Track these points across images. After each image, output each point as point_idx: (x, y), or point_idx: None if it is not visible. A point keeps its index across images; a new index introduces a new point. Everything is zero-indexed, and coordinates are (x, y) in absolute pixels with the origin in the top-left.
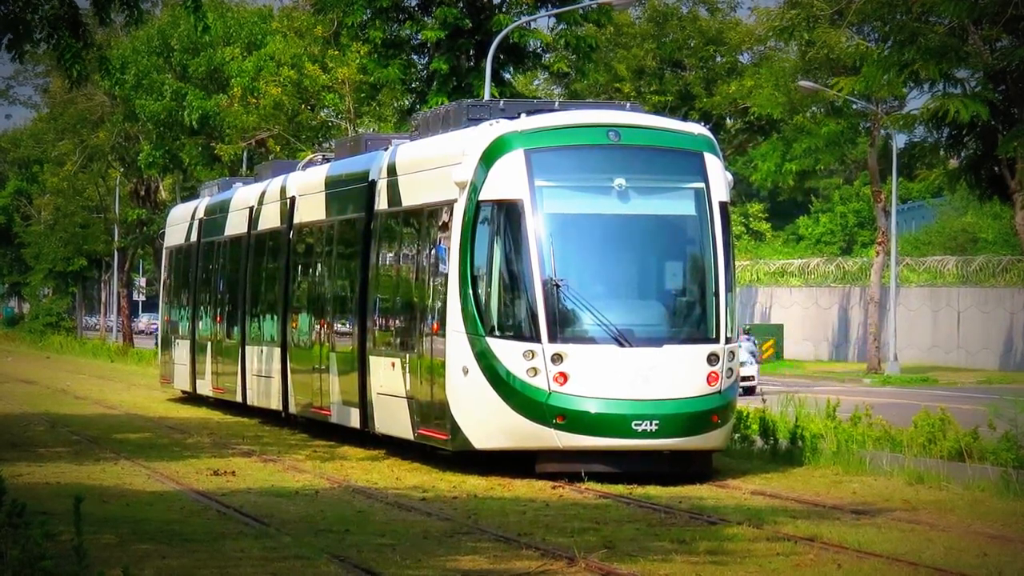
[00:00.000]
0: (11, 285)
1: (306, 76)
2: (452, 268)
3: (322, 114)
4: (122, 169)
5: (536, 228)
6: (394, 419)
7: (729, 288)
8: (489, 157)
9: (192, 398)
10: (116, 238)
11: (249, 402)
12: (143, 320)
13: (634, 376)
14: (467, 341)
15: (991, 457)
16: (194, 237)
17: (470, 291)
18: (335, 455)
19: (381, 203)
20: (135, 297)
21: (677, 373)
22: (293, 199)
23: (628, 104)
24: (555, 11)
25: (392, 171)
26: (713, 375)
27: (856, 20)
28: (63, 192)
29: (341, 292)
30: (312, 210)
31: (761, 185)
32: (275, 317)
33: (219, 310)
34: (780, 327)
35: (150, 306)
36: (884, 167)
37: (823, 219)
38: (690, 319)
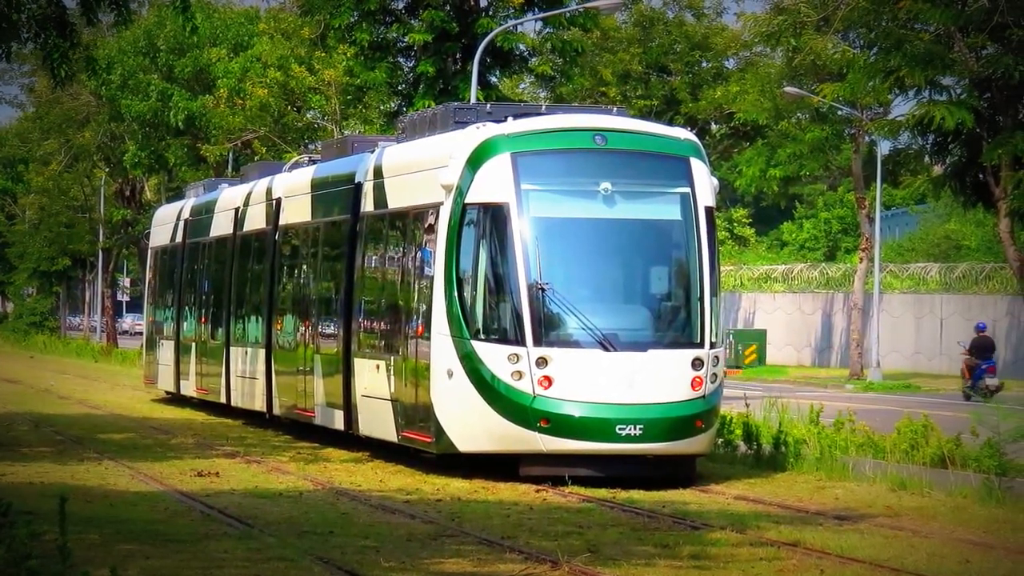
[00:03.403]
0: None
1: (292, 78)
2: (437, 271)
3: (308, 116)
4: (107, 169)
5: (522, 231)
6: (378, 421)
7: (714, 293)
8: (475, 160)
9: (176, 399)
10: (101, 238)
11: (233, 403)
12: (127, 320)
13: (619, 380)
14: (452, 344)
15: (973, 464)
16: (179, 238)
17: (455, 294)
18: (319, 457)
19: (367, 205)
20: (119, 297)
21: (661, 378)
22: (279, 200)
23: (614, 108)
24: (541, 15)
25: (378, 173)
26: (697, 380)
27: (842, 27)
28: (48, 191)
29: (326, 294)
30: (298, 212)
31: (745, 190)
32: (260, 318)
33: (204, 311)
34: (763, 332)
35: (134, 306)
36: (868, 173)
37: (807, 225)
38: (675, 324)
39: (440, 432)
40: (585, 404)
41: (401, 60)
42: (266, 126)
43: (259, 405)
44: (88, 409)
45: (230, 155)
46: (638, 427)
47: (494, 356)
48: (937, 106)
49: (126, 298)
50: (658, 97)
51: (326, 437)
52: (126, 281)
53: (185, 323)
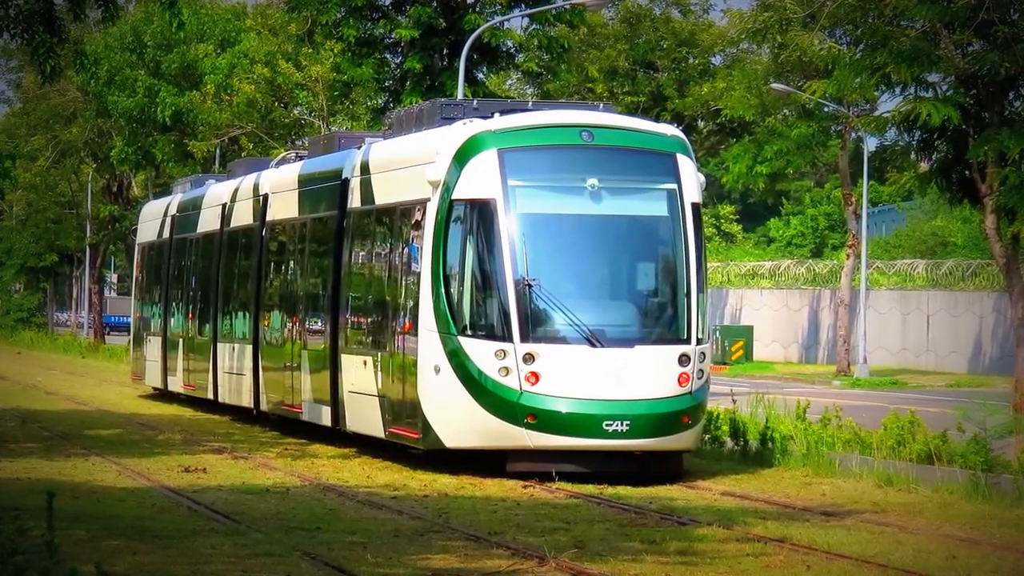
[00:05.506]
0: None
1: (280, 74)
2: (424, 267)
3: (295, 112)
4: (94, 165)
5: (508, 228)
6: (365, 417)
7: (701, 289)
8: (462, 156)
9: (163, 395)
10: (88, 234)
11: (220, 399)
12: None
13: (605, 376)
14: (439, 340)
15: (960, 460)
16: (167, 234)
17: (442, 290)
18: (306, 453)
19: (354, 201)
20: (106, 293)
21: (648, 374)
22: (266, 196)
23: (601, 105)
24: (528, 11)
25: (365, 169)
26: (684, 376)
27: (828, 23)
28: (35, 187)
29: (313, 290)
30: (285, 208)
31: (732, 187)
32: (247, 314)
33: (191, 307)
34: (750, 329)
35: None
36: (855, 170)
37: (794, 221)
38: (661, 320)
39: (427, 428)
40: (572, 400)
41: (388, 56)
42: (253, 122)
43: (246, 401)
44: (75, 405)
45: (217, 151)
46: (625, 423)
47: (481, 352)
48: (923, 103)
49: (113, 294)
50: (645, 93)
51: (313, 433)
52: (113, 277)
53: (172, 319)
